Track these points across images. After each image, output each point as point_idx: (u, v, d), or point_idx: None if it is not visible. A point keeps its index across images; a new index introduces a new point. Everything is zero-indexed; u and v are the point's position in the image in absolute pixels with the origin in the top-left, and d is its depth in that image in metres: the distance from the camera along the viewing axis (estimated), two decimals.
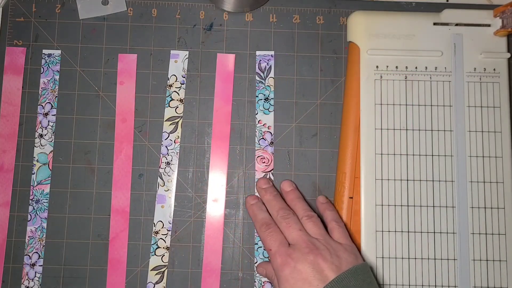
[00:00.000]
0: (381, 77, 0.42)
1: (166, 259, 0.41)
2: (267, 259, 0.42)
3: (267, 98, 0.43)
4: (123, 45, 0.44)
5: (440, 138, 0.41)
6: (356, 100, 0.42)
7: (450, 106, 0.42)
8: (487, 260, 0.40)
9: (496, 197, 0.41)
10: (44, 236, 0.41)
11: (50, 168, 0.42)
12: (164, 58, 0.44)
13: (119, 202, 0.42)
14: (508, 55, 0.42)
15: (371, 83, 0.42)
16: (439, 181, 0.41)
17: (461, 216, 0.40)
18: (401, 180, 0.41)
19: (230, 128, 0.43)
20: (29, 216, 0.42)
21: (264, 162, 0.43)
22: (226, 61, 0.44)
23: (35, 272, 0.41)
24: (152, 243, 0.42)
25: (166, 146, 0.43)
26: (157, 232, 0.42)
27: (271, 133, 0.43)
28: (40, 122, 0.43)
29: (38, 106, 0.43)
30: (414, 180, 0.41)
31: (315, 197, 0.43)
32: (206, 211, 0.42)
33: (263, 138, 0.43)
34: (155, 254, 0.41)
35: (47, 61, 0.43)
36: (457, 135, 0.41)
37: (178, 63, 0.44)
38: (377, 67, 0.42)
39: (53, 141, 0.43)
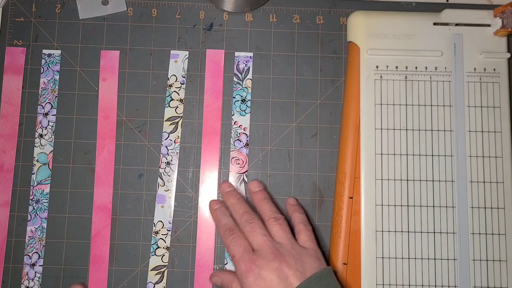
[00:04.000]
0: (381, 77, 0.42)
1: (166, 259, 0.41)
2: None
3: (244, 99, 0.43)
4: (123, 45, 0.44)
5: (440, 138, 0.41)
6: (356, 100, 0.42)
7: (450, 106, 0.42)
8: (487, 260, 0.40)
9: (496, 197, 0.41)
10: (44, 236, 0.41)
11: (50, 168, 0.42)
12: (164, 58, 0.44)
13: (101, 198, 0.42)
14: (508, 55, 0.42)
15: (371, 83, 0.42)
16: (439, 181, 0.41)
17: (461, 216, 0.40)
18: (401, 180, 0.41)
19: (220, 124, 0.43)
20: (29, 216, 0.42)
21: (238, 164, 0.43)
22: (216, 57, 0.44)
23: (35, 272, 0.41)
24: (152, 243, 0.42)
25: (166, 146, 0.43)
26: (157, 232, 0.42)
27: (246, 134, 0.43)
28: (40, 122, 0.43)
29: (38, 106, 0.43)
30: (414, 180, 0.41)
31: (315, 197, 0.43)
32: (198, 206, 0.42)
33: (238, 140, 0.43)
34: (155, 254, 0.41)
35: (47, 61, 0.43)
36: (457, 135, 0.41)
37: (178, 63, 0.44)
38: (377, 67, 0.42)
39: (53, 141, 0.43)
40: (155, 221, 0.42)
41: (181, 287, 0.41)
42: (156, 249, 0.41)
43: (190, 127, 0.43)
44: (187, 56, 0.44)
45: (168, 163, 0.43)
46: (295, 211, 0.39)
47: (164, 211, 0.42)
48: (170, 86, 0.43)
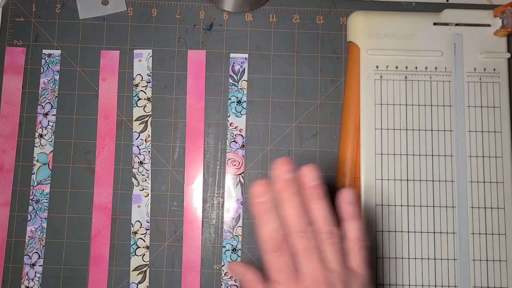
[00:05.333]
0: (381, 77, 0.42)
1: (147, 258, 0.41)
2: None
3: (239, 100, 0.43)
4: (123, 45, 0.44)
5: (440, 138, 0.41)
6: (356, 100, 0.42)
7: (450, 106, 0.42)
8: (487, 260, 0.40)
9: (496, 197, 0.41)
10: (44, 236, 0.41)
11: (50, 168, 0.42)
12: (164, 58, 0.44)
13: (101, 198, 0.42)
14: (508, 55, 0.42)
15: (371, 83, 0.42)
16: (439, 181, 0.41)
17: (461, 216, 0.40)
18: (401, 180, 0.41)
19: (204, 125, 0.43)
20: (29, 216, 0.42)
21: (234, 165, 0.43)
22: (197, 58, 0.44)
23: (35, 272, 0.41)
24: (131, 243, 0.41)
25: (137, 146, 0.43)
26: (135, 232, 0.42)
27: (242, 136, 0.43)
28: (40, 122, 0.43)
29: (38, 106, 0.43)
30: (414, 180, 0.41)
31: None
32: (183, 207, 0.42)
33: (234, 141, 0.43)
34: (135, 254, 0.41)
35: (47, 61, 0.43)
36: (457, 135, 0.41)
37: (142, 62, 0.44)
38: (377, 67, 0.42)
39: (53, 141, 0.43)
40: (132, 222, 0.42)
41: (180, 286, 0.41)
42: (136, 249, 0.41)
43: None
44: (150, 55, 0.44)
45: (141, 163, 0.42)
46: (352, 218, 0.31)
47: (141, 211, 0.42)
48: (137, 85, 0.43)
